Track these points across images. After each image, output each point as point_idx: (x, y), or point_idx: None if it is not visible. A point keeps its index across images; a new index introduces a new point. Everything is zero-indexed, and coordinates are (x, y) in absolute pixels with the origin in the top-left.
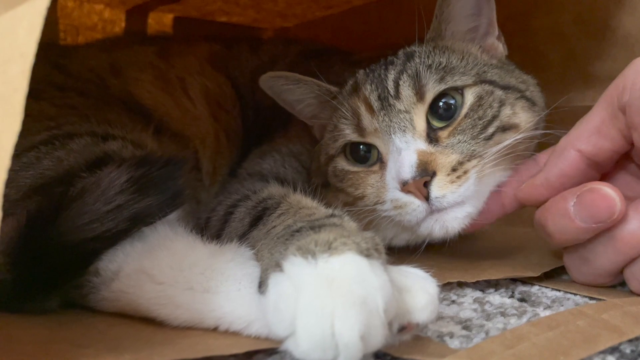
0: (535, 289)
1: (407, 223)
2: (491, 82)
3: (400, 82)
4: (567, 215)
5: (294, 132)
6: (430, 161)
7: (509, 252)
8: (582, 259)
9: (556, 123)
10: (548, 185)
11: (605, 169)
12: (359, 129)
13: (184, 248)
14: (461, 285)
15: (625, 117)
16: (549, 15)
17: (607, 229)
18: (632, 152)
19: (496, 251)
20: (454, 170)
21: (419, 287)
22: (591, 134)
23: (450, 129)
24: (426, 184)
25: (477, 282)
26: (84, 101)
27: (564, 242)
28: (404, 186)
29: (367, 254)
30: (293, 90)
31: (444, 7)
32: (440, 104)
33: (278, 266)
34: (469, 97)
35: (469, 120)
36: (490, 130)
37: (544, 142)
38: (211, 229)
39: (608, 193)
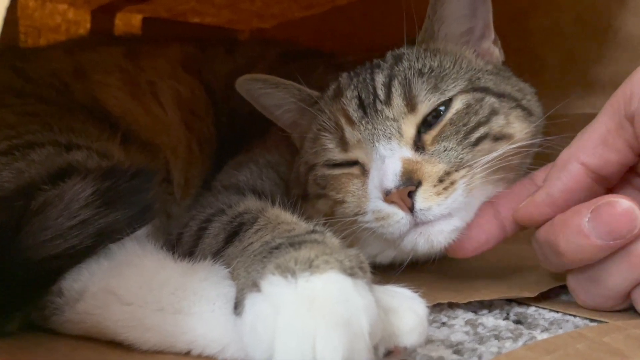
0: (531, 310)
1: (389, 236)
2: (484, 89)
3: (392, 89)
4: (581, 232)
5: (272, 141)
6: (416, 170)
7: (504, 271)
8: (592, 280)
9: (554, 132)
10: (551, 203)
11: (611, 183)
12: (342, 142)
13: (154, 266)
14: (452, 306)
15: (632, 127)
16: (547, 16)
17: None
18: (639, 165)
19: (490, 270)
20: (440, 180)
21: (407, 308)
22: (596, 146)
23: (433, 133)
24: (411, 194)
25: (470, 302)
26: (45, 108)
27: (577, 262)
28: (387, 196)
29: (351, 273)
30: (272, 95)
31: (437, 6)
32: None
33: (255, 286)
34: (457, 103)
35: (454, 127)
36: (475, 135)
37: (541, 152)
38: (183, 245)
39: (628, 206)
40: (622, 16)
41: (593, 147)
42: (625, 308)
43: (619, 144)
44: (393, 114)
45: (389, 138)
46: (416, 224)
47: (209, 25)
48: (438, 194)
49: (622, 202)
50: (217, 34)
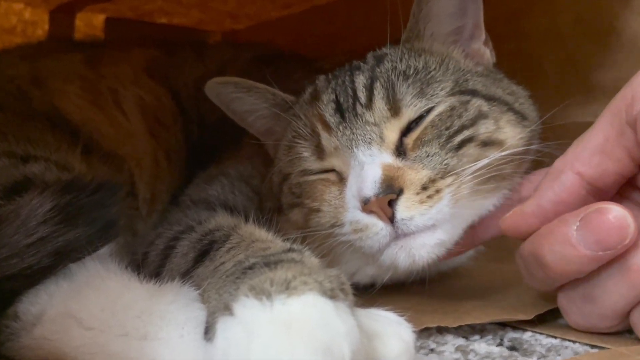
0: (527, 335)
1: (368, 250)
2: (472, 92)
3: (375, 92)
4: (568, 242)
5: (245, 151)
6: (397, 177)
7: (497, 292)
8: (586, 298)
9: (552, 141)
10: (540, 214)
11: (607, 196)
12: (318, 150)
13: (118, 287)
14: (441, 330)
15: (634, 133)
16: (544, 16)
17: (618, 259)
18: (638, 176)
19: (482, 291)
20: (424, 188)
21: (392, 333)
22: (593, 154)
23: (414, 136)
24: (392, 203)
25: (460, 327)
26: (0, 116)
27: (563, 275)
28: (366, 205)
29: (332, 295)
30: (244, 99)
31: (423, 3)
32: None
33: (228, 309)
34: (440, 106)
35: (435, 130)
36: (457, 139)
37: (539, 161)
38: (149, 265)
39: (619, 214)
40: (625, 16)
41: (590, 155)
42: (624, 330)
43: (618, 152)
44: (374, 119)
45: (369, 143)
46: (397, 236)
47: (177, 26)
48: (421, 202)
49: (613, 209)
50: (186, 35)
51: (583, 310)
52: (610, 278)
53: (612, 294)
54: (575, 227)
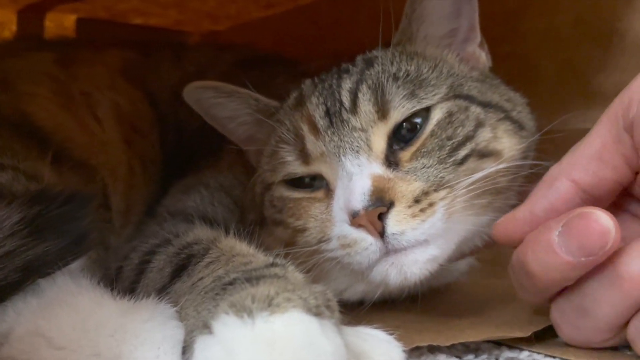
0: (524, 355)
1: (356, 266)
2: (467, 97)
3: (359, 95)
4: (550, 248)
5: (225, 160)
6: (388, 188)
7: (492, 309)
8: (578, 310)
9: (549, 151)
10: (532, 222)
11: (602, 205)
12: (303, 154)
13: (90, 305)
14: (433, 350)
15: (631, 138)
16: (542, 17)
17: (608, 266)
18: (635, 185)
19: (476, 308)
20: (417, 201)
21: (381, 353)
22: (590, 161)
23: (412, 149)
24: (382, 217)
25: (453, 346)
26: None
27: (548, 284)
28: (354, 218)
29: (317, 312)
30: (224, 105)
31: (416, 3)
32: (404, 124)
33: (206, 327)
34: (437, 112)
35: (436, 140)
36: (462, 153)
37: (535, 173)
38: (123, 281)
39: (600, 218)
40: (629, 17)
41: (586, 162)
42: (621, 344)
43: (615, 159)
44: (361, 123)
45: (357, 152)
46: (387, 251)
47: (153, 27)
48: (413, 216)
49: (594, 214)
50: (163, 37)
51: (576, 323)
52: (601, 287)
53: (604, 305)
54: (557, 233)
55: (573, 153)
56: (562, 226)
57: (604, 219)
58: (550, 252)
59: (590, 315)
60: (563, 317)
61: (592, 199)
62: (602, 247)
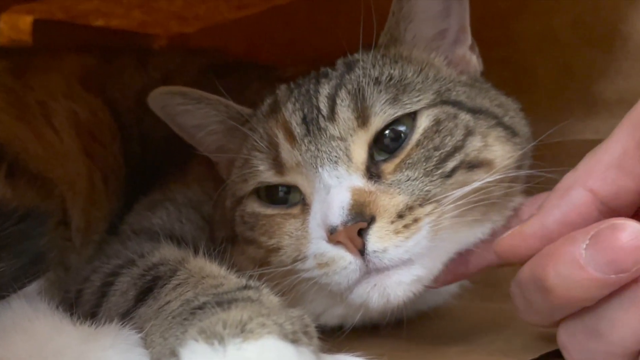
0: None
1: (335, 287)
2: (456, 104)
3: (338, 100)
4: (575, 262)
5: (194, 173)
6: (369, 202)
7: (484, 335)
8: (590, 332)
9: (547, 164)
10: (543, 236)
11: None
12: (277, 164)
13: (48, 330)
14: None
15: None
16: (539, 18)
17: (630, 285)
18: None
19: (466, 334)
20: (400, 216)
21: None
22: (608, 169)
23: (396, 161)
24: (362, 233)
25: None
26: None
27: (568, 302)
28: (332, 235)
29: (294, 339)
30: (193, 112)
31: (404, 0)
32: (387, 132)
33: (174, 355)
34: (423, 120)
35: (422, 150)
36: (450, 164)
37: (532, 187)
38: (84, 305)
39: (636, 231)
40: (632, 19)
41: (604, 170)
42: None
43: (637, 167)
44: (339, 132)
45: (335, 162)
46: (368, 271)
47: (116, 30)
48: (396, 232)
49: (629, 225)
50: (126, 40)
51: (587, 347)
52: (620, 308)
53: (622, 328)
54: (585, 246)
55: (590, 159)
56: (590, 238)
57: (639, 232)
58: (576, 267)
59: (604, 338)
60: (572, 339)
61: (610, 211)
62: (637, 263)
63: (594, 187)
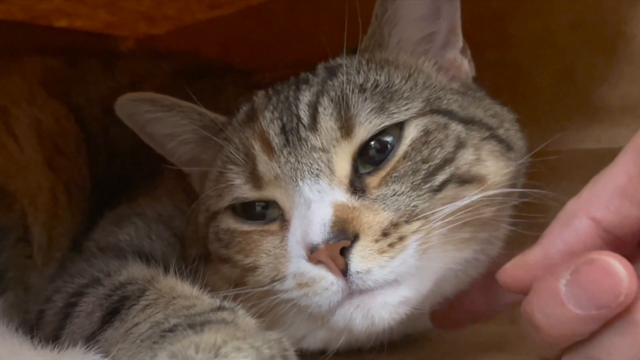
0: None
1: (316, 309)
2: (447, 113)
3: (320, 109)
4: (557, 299)
5: (164, 186)
6: (352, 219)
7: (482, 358)
8: None
9: (544, 175)
10: (546, 266)
11: (627, 248)
12: (254, 177)
13: (7, 354)
14: None
15: None
16: (535, 19)
17: (623, 314)
18: None
19: (466, 357)
20: (385, 234)
21: None
22: (612, 196)
23: (382, 174)
24: (344, 252)
25: None
26: None
27: (558, 339)
28: (313, 253)
29: None
30: (163, 121)
31: (387, 3)
32: (372, 143)
33: None
34: (412, 130)
35: (409, 163)
36: (440, 178)
37: (530, 202)
38: (46, 326)
39: (612, 265)
40: (635, 20)
41: (609, 198)
42: None
43: None
44: (321, 142)
45: (317, 176)
46: (351, 292)
47: (80, 31)
48: (381, 252)
49: (606, 260)
50: (91, 42)
51: None
52: (616, 336)
53: (619, 357)
54: (564, 282)
55: (593, 186)
56: (570, 274)
57: (615, 267)
58: (558, 303)
59: None
60: None
61: (616, 240)
62: (615, 298)
63: (597, 216)
